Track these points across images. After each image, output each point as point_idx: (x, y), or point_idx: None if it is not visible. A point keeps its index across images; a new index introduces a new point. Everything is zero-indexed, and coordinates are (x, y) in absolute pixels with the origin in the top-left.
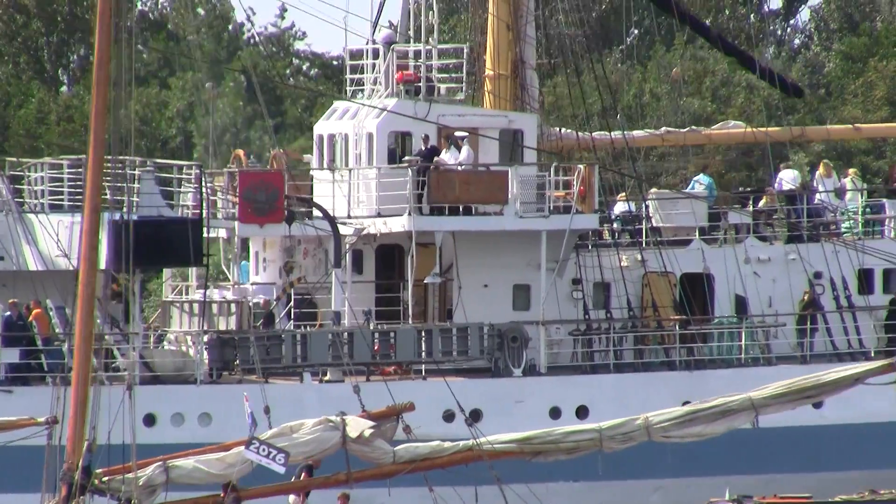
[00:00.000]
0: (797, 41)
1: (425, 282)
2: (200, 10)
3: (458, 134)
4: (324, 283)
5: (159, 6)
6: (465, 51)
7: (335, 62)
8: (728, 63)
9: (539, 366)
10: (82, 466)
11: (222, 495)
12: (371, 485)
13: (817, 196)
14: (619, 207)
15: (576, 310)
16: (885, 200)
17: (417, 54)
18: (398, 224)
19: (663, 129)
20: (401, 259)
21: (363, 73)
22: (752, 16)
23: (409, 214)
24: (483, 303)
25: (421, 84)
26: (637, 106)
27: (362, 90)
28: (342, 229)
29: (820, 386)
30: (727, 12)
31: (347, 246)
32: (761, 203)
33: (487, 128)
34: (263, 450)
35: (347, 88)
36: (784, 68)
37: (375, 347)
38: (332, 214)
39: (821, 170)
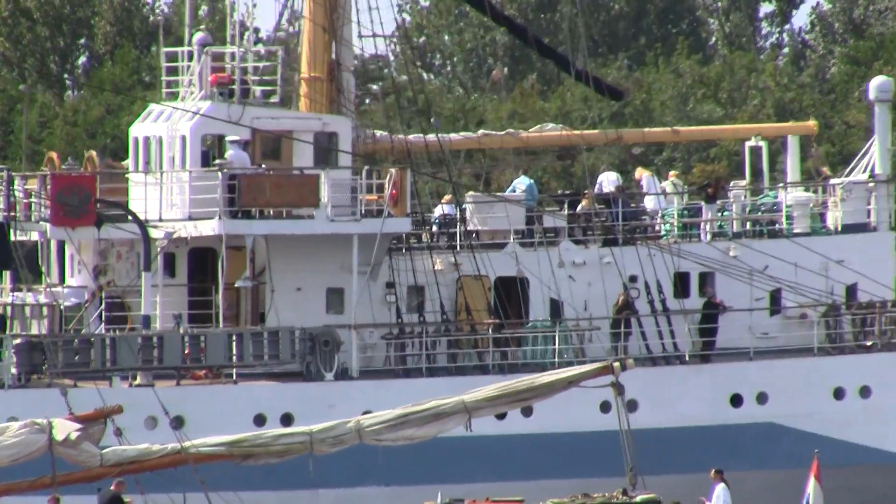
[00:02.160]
0: (794, 45)
1: (237, 285)
2: None
3: (228, 139)
4: (135, 287)
5: None
6: (280, 53)
7: None
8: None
9: (351, 370)
10: None
11: None
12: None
13: (646, 199)
14: (444, 211)
15: (389, 313)
16: (702, 204)
17: (232, 56)
18: (208, 227)
19: (480, 132)
20: (213, 262)
21: (179, 74)
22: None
23: (220, 218)
24: (296, 306)
25: (235, 87)
26: (645, 110)
27: (177, 92)
28: (153, 232)
29: (534, 388)
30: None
31: (158, 249)
32: (580, 206)
33: (301, 130)
34: None
35: (163, 90)
36: (792, 71)
37: (186, 351)
38: (140, 218)
39: (640, 172)
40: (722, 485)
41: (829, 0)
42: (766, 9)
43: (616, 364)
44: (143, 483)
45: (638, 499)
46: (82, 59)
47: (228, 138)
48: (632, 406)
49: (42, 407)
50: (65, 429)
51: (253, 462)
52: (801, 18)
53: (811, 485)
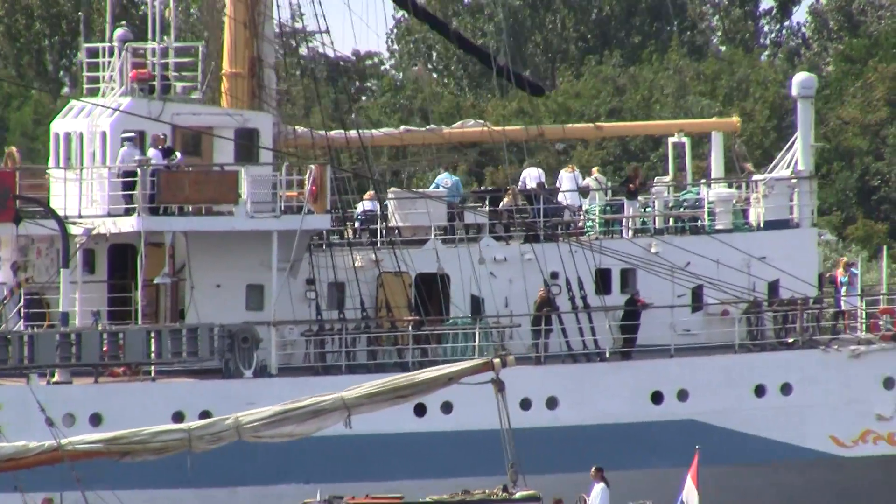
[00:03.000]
0: (793, 42)
1: (155, 282)
2: None
3: (123, 135)
4: (54, 283)
5: None
6: (201, 49)
7: None
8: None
9: (270, 367)
10: None
11: None
12: None
13: (561, 195)
14: (365, 207)
15: (309, 310)
16: (624, 200)
17: (153, 52)
18: (128, 224)
19: (402, 127)
20: (133, 259)
21: (100, 70)
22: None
23: (139, 215)
24: (216, 303)
25: (156, 83)
26: (646, 106)
27: (99, 88)
28: (73, 229)
29: (414, 385)
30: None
31: (78, 245)
32: (503, 202)
33: (222, 127)
34: None
35: (84, 86)
36: (788, 68)
37: (104, 349)
38: (59, 214)
39: (568, 167)
40: (601, 484)
41: None
42: (765, 5)
43: (496, 360)
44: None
45: (517, 495)
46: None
47: (123, 134)
48: (551, 403)
49: None
50: None
51: (131, 459)
52: (799, 15)
53: (687, 484)
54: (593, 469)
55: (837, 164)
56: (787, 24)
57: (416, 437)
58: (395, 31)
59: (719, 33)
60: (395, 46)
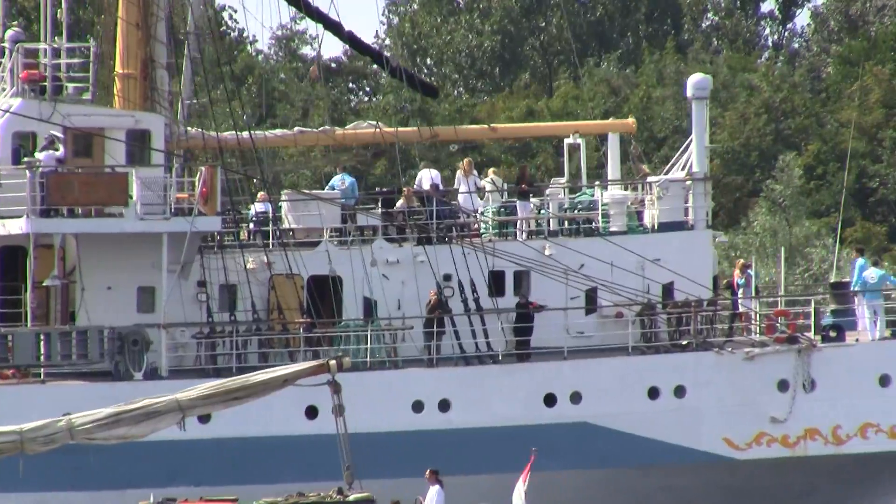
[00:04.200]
0: (796, 44)
1: (45, 284)
2: None
3: (52, 133)
4: None
5: None
6: (92, 49)
7: None
8: (727, 67)
9: (161, 369)
10: None
11: None
12: None
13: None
14: (258, 208)
15: (200, 312)
16: (517, 201)
17: (44, 53)
18: (17, 226)
19: (296, 129)
20: (23, 261)
21: None
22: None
23: (28, 216)
24: (107, 305)
25: (47, 84)
26: (643, 108)
27: None
28: None
29: (248, 387)
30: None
31: None
32: (397, 204)
33: (114, 128)
34: None
35: None
36: (787, 71)
37: None
38: None
39: (464, 166)
40: (437, 486)
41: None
42: (767, 7)
43: (332, 362)
44: None
45: (351, 497)
46: None
47: (51, 132)
48: (444, 406)
49: None
50: None
51: None
52: (802, 19)
53: (518, 485)
54: (428, 472)
55: (833, 165)
56: (788, 26)
57: (259, 442)
58: (386, 31)
59: (716, 37)
60: (388, 42)
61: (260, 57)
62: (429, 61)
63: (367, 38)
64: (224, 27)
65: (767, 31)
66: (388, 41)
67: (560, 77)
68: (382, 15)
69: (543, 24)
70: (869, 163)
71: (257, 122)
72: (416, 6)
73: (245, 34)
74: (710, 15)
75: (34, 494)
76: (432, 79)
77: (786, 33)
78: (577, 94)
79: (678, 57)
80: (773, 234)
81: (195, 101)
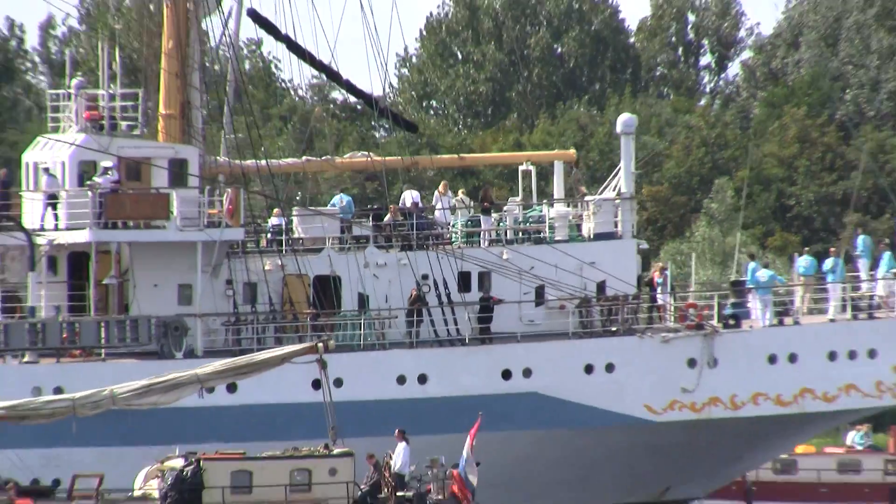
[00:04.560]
0: (728, 90)
1: (105, 282)
2: None
3: (104, 163)
4: (24, 283)
5: None
6: (141, 94)
7: None
8: (672, 108)
9: (196, 350)
10: None
11: None
12: None
13: (437, 211)
14: (274, 222)
15: (228, 305)
16: (481, 216)
17: (103, 97)
18: (81, 236)
19: (304, 158)
20: (87, 264)
21: (61, 112)
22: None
23: (90, 228)
24: (153, 299)
25: (104, 122)
26: (605, 142)
27: (60, 123)
28: (38, 240)
29: (253, 364)
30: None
31: (42, 253)
32: (386, 218)
33: (158, 157)
34: None
35: (49, 125)
36: (721, 112)
37: (64, 335)
38: (27, 227)
39: (440, 189)
40: (403, 444)
41: (754, 52)
42: (705, 60)
43: (320, 344)
44: None
45: (335, 451)
46: None
47: (103, 163)
48: (422, 379)
49: None
50: None
51: (28, 423)
52: (734, 70)
53: (466, 446)
54: (396, 431)
55: (757, 187)
56: (723, 75)
57: (259, 408)
58: (397, 74)
59: (664, 84)
60: (396, 85)
61: (298, 99)
62: (433, 103)
63: (379, 85)
64: (271, 76)
65: (706, 79)
66: (396, 86)
67: (540, 116)
68: (395, 68)
69: (526, 73)
70: (786, 185)
71: (302, 152)
72: (423, 58)
73: (290, 81)
74: (660, 67)
75: (84, 449)
76: (434, 117)
77: (721, 81)
78: (553, 130)
79: (633, 100)
80: (711, 244)
81: (234, 135)
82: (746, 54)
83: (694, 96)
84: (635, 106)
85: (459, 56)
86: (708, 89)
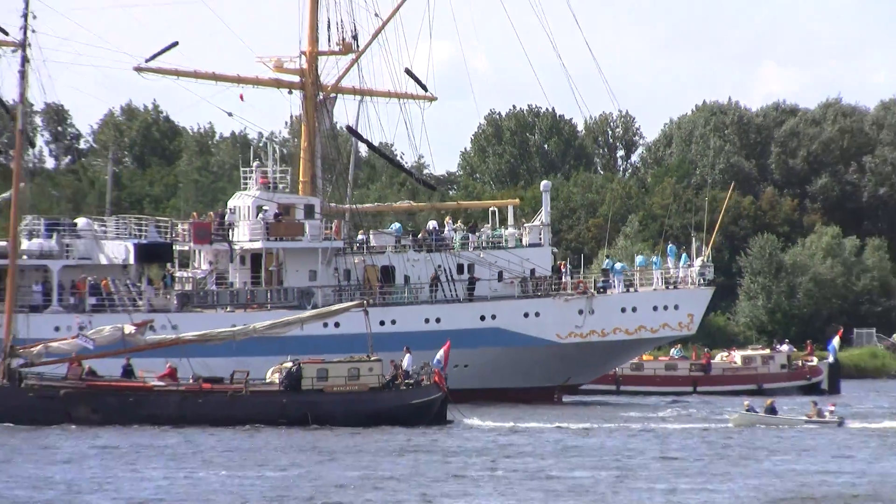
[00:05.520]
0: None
1: (270, 269)
2: None
3: (267, 206)
4: (227, 271)
5: None
6: (290, 170)
7: None
8: (602, 178)
9: (318, 305)
10: None
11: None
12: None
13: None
14: (360, 237)
15: (335, 281)
16: (469, 234)
17: (270, 171)
18: (258, 245)
19: (375, 203)
20: (260, 261)
21: (248, 177)
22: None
23: (261, 240)
24: (295, 278)
25: (270, 184)
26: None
27: (247, 184)
28: (235, 246)
29: (321, 314)
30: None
31: (237, 253)
32: (420, 235)
33: (298, 204)
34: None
35: (241, 184)
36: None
37: (247, 297)
38: (230, 239)
39: (447, 219)
40: (408, 355)
41: (645, 149)
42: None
43: (364, 302)
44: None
45: (372, 358)
46: None
47: (266, 206)
48: (437, 321)
49: None
50: (128, 328)
51: (211, 344)
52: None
53: (440, 353)
54: (405, 348)
55: (650, 220)
56: (630, 160)
57: (331, 336)
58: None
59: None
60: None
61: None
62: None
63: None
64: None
65: (620, 163)
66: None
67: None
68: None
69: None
70: (665, 219)
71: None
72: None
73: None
74: (595, 157)
75: (239, 358)
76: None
77: (629, 163)
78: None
79: (584, 173)
80: (625, 249)
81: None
82: (642, 149)
83: (615, 172)
84: (587, 175)
85: (490, 152)
86: (622, 168)
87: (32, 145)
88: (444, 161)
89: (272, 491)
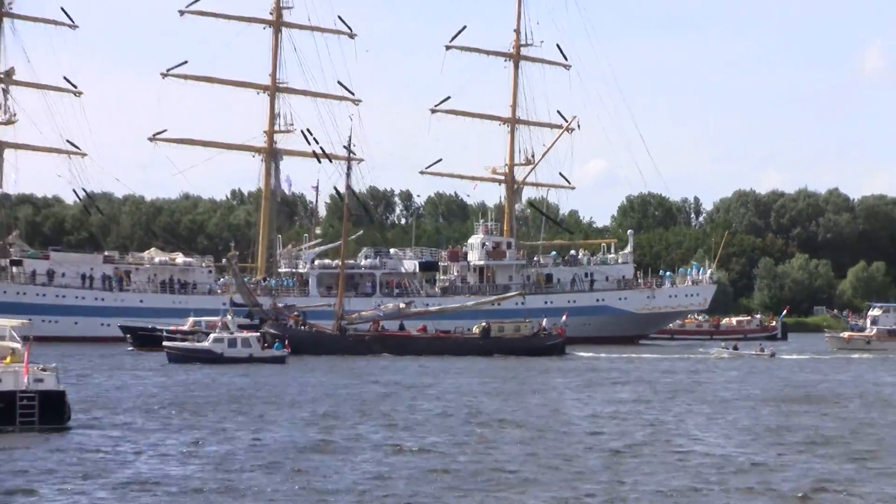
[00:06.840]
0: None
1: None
2: None
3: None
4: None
5: None
6: (499, 224)
7: None
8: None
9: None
10: None
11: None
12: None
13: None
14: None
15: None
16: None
17: (489, 225)
18: (481, 263)
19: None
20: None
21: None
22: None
23: (483, 260)
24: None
25: (489, 230)
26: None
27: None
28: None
29: (481, 303)
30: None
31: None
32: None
33: (503, 241)
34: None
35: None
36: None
37: None
38: (468, 260)
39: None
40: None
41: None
42: None
43: (522, 292)
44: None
45: (410, 308)
46: None
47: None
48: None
49: None
50: (401, 304)
51: (446, 314)
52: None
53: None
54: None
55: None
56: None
57: (509, 311)
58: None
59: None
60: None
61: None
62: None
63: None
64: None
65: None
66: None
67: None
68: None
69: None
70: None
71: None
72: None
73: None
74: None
75: (459, 320)
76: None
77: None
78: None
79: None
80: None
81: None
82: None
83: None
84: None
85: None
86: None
87: (372, 220)
88: (599, 218)
89: (488, 388)
